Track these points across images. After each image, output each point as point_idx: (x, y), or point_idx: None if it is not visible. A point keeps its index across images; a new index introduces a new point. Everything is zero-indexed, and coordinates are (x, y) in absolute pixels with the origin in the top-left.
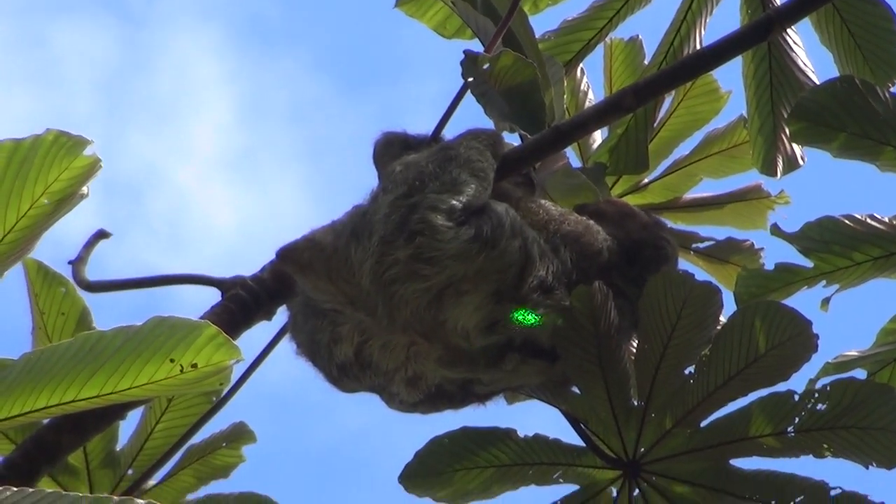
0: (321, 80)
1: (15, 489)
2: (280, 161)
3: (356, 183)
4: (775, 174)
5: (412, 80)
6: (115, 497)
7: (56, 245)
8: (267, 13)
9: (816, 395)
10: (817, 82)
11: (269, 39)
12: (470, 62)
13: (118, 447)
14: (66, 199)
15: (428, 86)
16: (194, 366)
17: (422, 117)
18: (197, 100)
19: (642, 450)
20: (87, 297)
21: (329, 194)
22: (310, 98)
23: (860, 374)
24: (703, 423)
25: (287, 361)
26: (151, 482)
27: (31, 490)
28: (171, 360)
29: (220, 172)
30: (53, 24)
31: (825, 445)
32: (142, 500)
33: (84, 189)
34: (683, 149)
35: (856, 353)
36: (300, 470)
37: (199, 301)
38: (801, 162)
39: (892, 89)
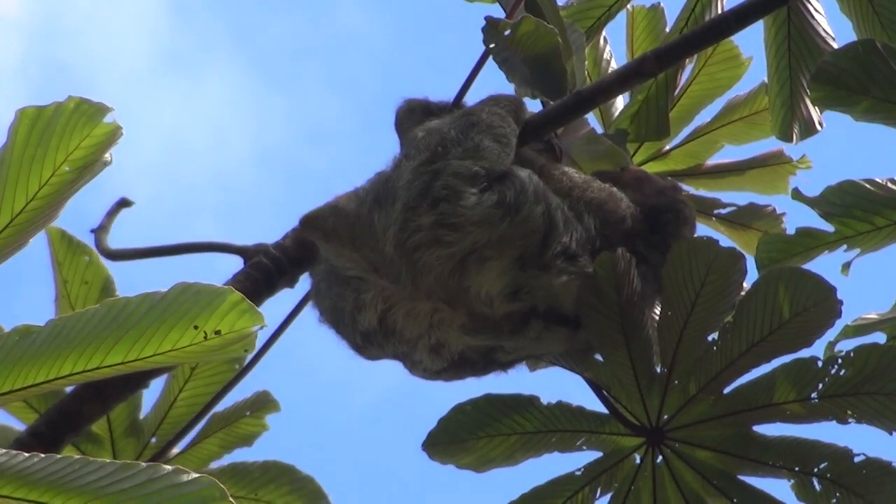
0: None
1: (43, 455)
2: (211, 53)
3: (287, 73)
4: (791, 139)
5: None
6: (143, 462)
7: (77, 213)
8: None
9: (840, 360)
10: None
11: None
12: (491, 28)
13: (142, 416)
14: (88, 167)
15: None
16: (218, 332)
17: (350, 7)
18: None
19: (665, 417)
20: (110, 264)
21: (261, 84)
22: None
23: (880, 337)
24: (727, 390)
25: (310, 329)
26: (175, 450)
27: (58, 456)
28: (195, 327)
29: (152, 70)
30: None
31: (849, 411)
32: (169, 465)
33: (107, 156)
34: (705, 115)
35: (875, 316)
36: (323, 438)
37: (221, 268)
38: (818, 127)
39: None
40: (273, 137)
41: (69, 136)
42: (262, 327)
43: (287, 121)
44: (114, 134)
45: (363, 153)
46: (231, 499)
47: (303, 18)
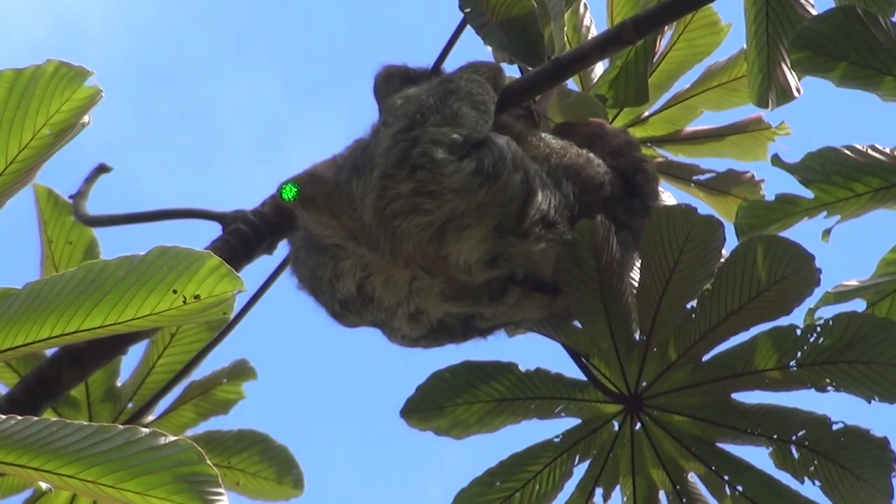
0: None
1: (20, 418)
2: None
3: None
4: (768, 105)
5: None
6: (120, 425)
7: (53, 176)
8: None
9: (819, 329)
10: None
11: None
12: None
13: (119, 382)
14: (67, 130)
15: None
16: (197, 297)
17: None
18: None
19: (644, 384)
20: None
21: None
22: None
23: (860, 303)
24: (706, 358)
25: (288, 296)
26: (151, 417)
27: (35, 419)
28: (174, 291)
29: None
30: None
31: (827, 379)
32: (146, 428)
33: (85, 118)
34: (684, 82)
35: (856, 283)
36: (299, 405)
37: (200, 235)
38: (795, 93)
39: (893, 18)
40: None
41: (49, 99)
42: (240, 291)
43: None
44: (94, 97)
45: None
46: (208, 461)
47: None
